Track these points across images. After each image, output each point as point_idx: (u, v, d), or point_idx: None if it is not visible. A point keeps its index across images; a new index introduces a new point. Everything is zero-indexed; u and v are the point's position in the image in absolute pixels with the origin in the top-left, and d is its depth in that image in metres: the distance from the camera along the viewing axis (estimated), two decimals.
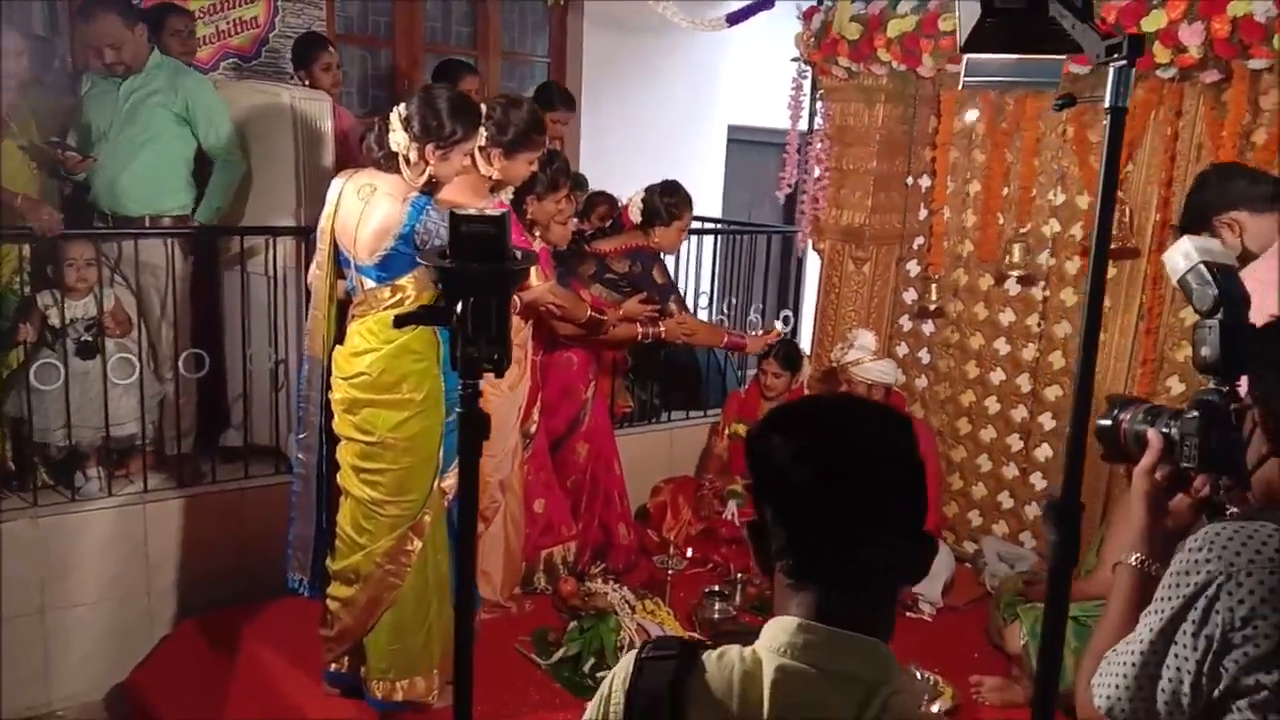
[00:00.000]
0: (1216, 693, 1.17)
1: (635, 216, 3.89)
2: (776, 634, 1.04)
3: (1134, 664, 1.21)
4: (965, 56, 1.26)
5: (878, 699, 0.99)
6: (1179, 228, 2.49)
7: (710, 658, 1.06)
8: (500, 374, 1.36)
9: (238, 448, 3.78)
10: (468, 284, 1.36)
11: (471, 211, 1.38)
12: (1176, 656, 1.18)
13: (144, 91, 3.66)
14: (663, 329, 3.79)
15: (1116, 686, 1.23)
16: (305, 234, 3.64)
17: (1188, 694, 1.17)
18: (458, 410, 1.37)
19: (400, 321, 1.40)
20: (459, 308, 1.35)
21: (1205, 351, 1.34)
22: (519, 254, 1.43)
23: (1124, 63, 1.05)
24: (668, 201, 3.86)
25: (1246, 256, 2.34)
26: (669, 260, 4.27)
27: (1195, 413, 1.31)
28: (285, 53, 4.76)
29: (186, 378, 3.62)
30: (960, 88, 3.34)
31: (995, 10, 1.19)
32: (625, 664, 1.11)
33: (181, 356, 3.57)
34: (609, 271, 3.84)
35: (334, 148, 3.89)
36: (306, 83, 4.14)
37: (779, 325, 4.36)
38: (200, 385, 3.71)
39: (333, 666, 2.93)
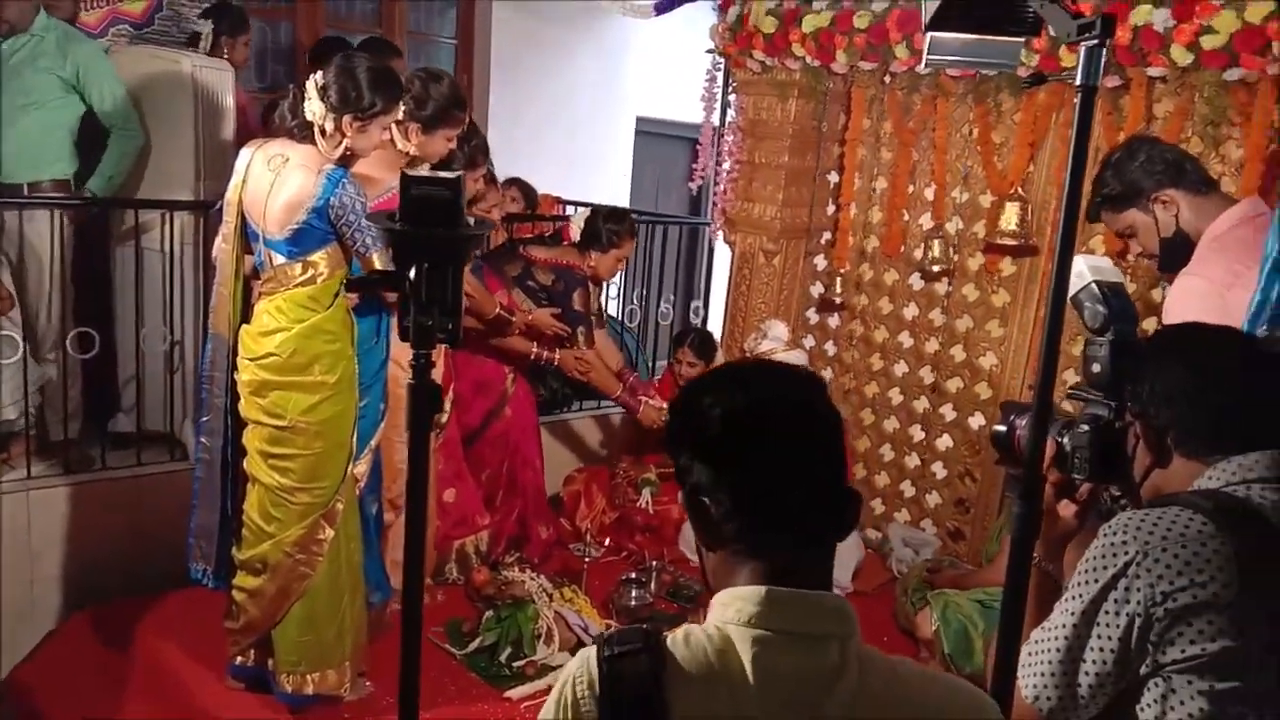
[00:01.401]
0: (1144, 669, 1.21)
1: (575, 235, 3.85)
2: (741, 606, 1.02)
3: (1057, 649, 1.25)
4: (929, 35, 1.27)
5: (851, 651, 1.00)
6: (1101, 200, 2.37)
7: (676, 643, 1.03)
8: (455, 345, 1.31)
9: (129, 433, 3.58)
10: (421, 249, 1.31)
11: (424, 173, 1.32)
12: (1099, 638, 1.23)
13: (27, 53, 3.46)
14: (558, 357, 3.74)
15: (1041, 674, 1.27)
16: (204, 209, 3.49)
17: (1112, 672, 1.22)
18: (406, 388, 1.32)
19: (351, 286, 1.33)
20: (411, 274, 1.30)
21: (1096, 368, 1.42)
22: (472, 220, 1.38)
23: (1095, 42, 1.08)
24: (610, 228, 3.83)
25: (1177, 238, 2.29)
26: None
27: (1085, 426, 1.38)
28: (182, 22, 4.54)
29: (74, 358, 3.42)
30: (923, 66, 3.40)
31: None
32: (585, 666, 1.04)
33: (69, 336, 3.36)
34: (532, 279, 3.77)
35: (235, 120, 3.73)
36: (225, 54, 3.97)
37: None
38: (89, 367, 3.51)
39: (238, 660, 2.80)
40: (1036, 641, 1.30)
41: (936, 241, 3.98)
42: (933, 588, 3.34)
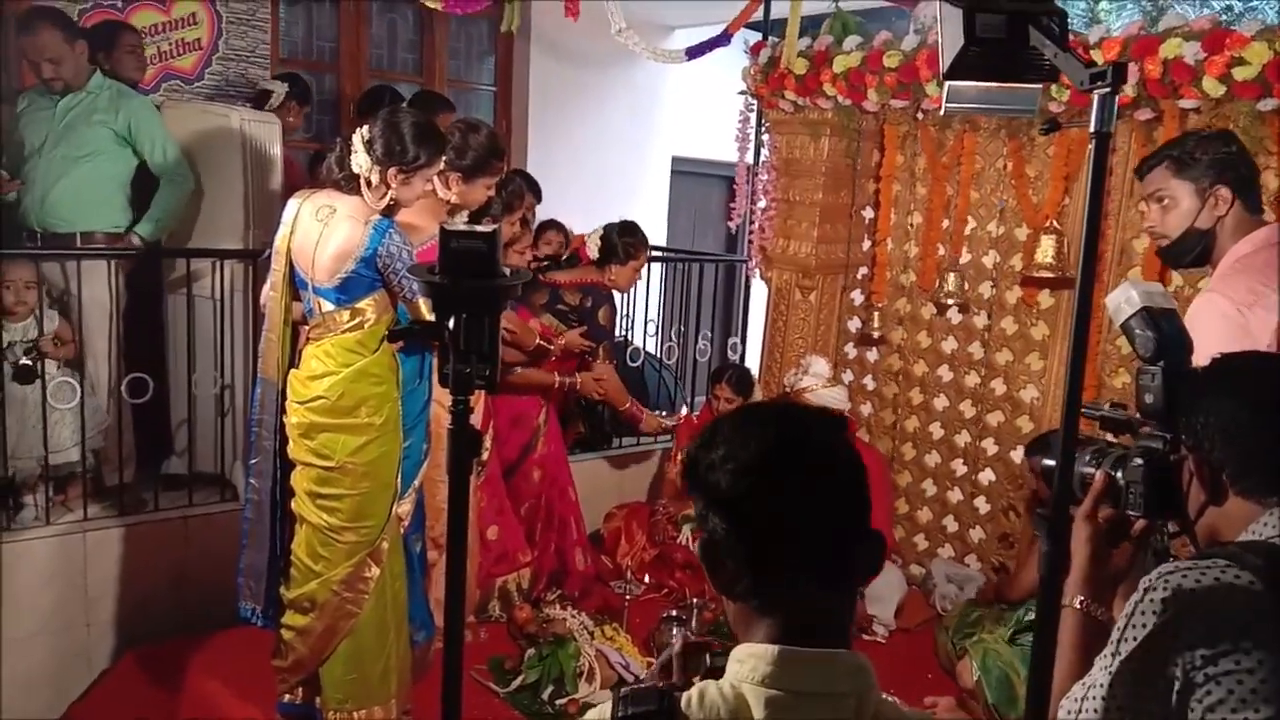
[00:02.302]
0: None
1: (592, 253, 3.92)
2: (755, 665, 1.00)
3: (1097, 710, 1.20)
4: (947, 84, 1.31)
5: (868, 708, 0.99)
6: (1169, 157, 2.25)
7: (690, 703, 1.01)
8: (493, 390, 1.35)
9: (181, 475, 3.68)
10: (459, 301, 1.36)
11: (461, 227, 1.38)
12: (1139, 698, 1.17)
13: (83, 109, 3.62)
14: (579, 380, 3.80)
15: None
16: (253, 257, 3.60)
17: None
18: (447, 430, 1.36)
19: (394, 336, 1.39)
20: (450, 324, 1.35)
21: (1149, 399, 1.36)
22: (508, 271, 1.43)
23: (1108, 89, 1.11)
24: (626, 241, 3.91)
25: (1202, 238, 2.23)
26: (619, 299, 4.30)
27: (1140, 460, 1.33)
28: (228, 74, 4.71)
29: (129, 403, 3.53)
30: (942, 113, 3.44)
31: (978, 39, 1.24)
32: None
33: (124, 381, 3.47)
34: (561, 303, 3.85)
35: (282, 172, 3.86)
36: (290, 117, 4.14)
37: (682, 411, 4.40)
38: (143, 411, 3.61)
39: (286, 697, 2.86)
40: (1075, 699, 1.24)
41: (951, 275, 4.00)
42: (973, 630, 3.31)
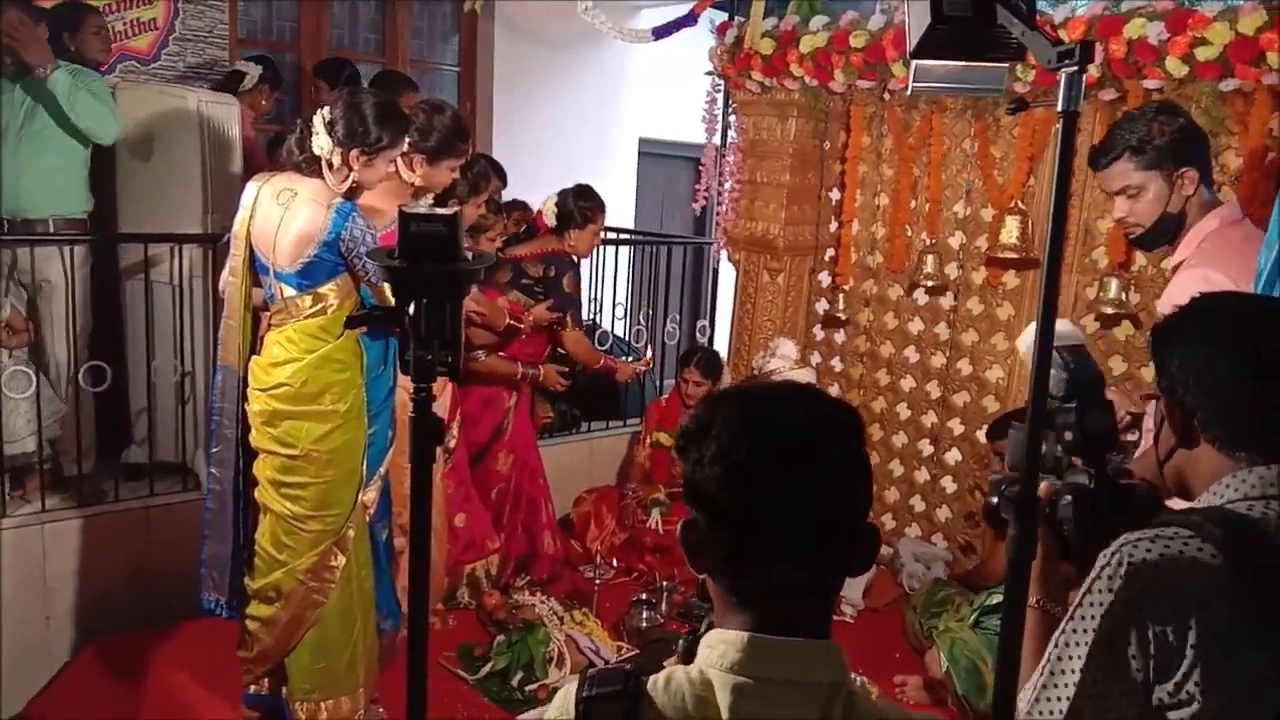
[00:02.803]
0: (1152, 706, 1.15)
1: (550, 220, 3.88)
2: (725, 650, 0.98)
3: (1068, 686, 1.17)
4: (914, 63, 1.30)
5: (838, 700, 0.97)
6: (1128, 148, 2.18)
7: (656, 687, 0.99)
8: (455, 377, 1.33)
9: (142, 465, 3.62)
10: (420, 285, 1.33)
11: (421, 210, 1.35)
12: (1110, 670, 1.15)
13: (44, 93, 3.51)
14: (540, 372, 3.79)
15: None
16: (212, 242, 3.53)
17: (1127, 715, 1.15)
18: (410, 418, 1.34)
19: (353, 322, 1.36)
20: (410, 309, 1.32)
21: (1069, 436, 1.35)
22: (470, 254, 1.40)
23: (1075, 68, 1.10)
24: (582, 205, 3.87)
25: (1174, 219, 2.20)
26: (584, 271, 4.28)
27: (1069, 498, 1.31)
28: (186, 55, 4.61)
29: (87, 392, 3.46)
30: (909, 92, 3.43)
31: (945, 18, 1.22)
32: (565, 705, 1.01)
33: (81, 369, 3.40)
34: (525, 277, 3.81)
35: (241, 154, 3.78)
36: (262, 100, 4.05)
37: (647, 354, 4.40)
38: (102, 400, 3.54)
39: (252, 688, 2.82)
40: (1043, 688, 1.20)
41: (930, 257, 4.00)
42: (943, 610, 3.33)
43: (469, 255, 1.39)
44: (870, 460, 1.03)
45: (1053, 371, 1.37)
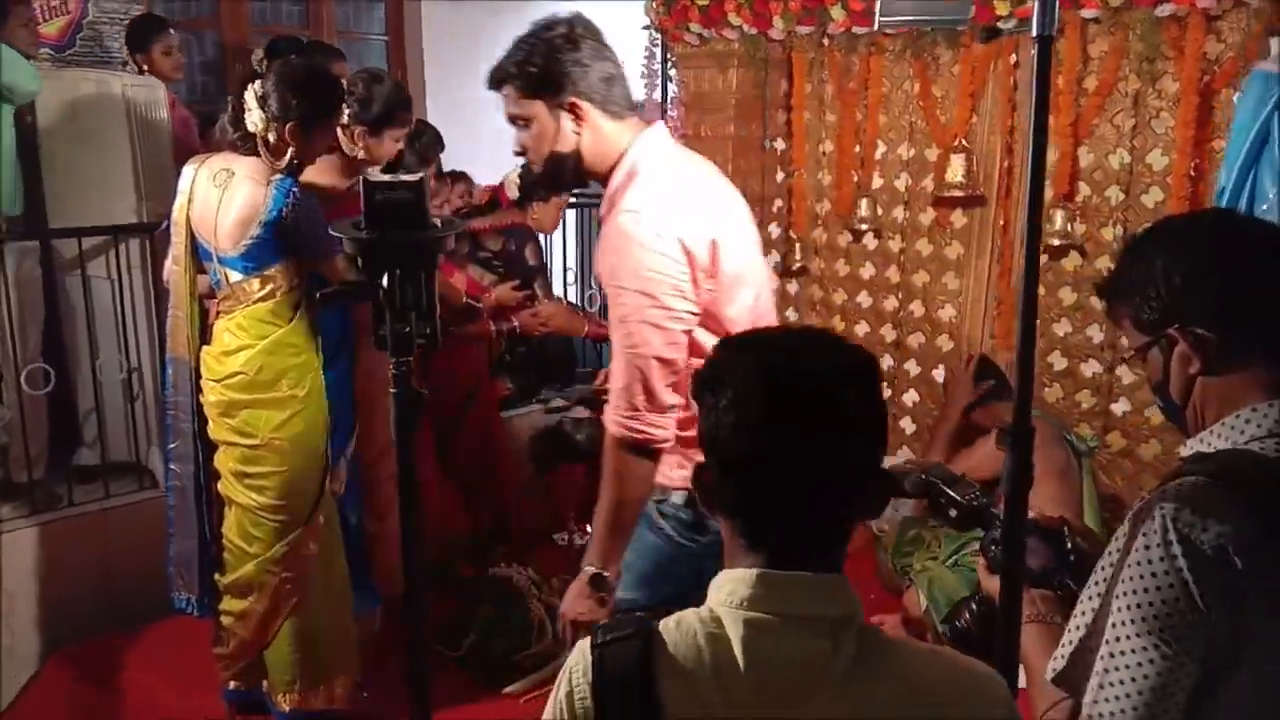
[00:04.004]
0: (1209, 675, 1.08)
1: (512, 193, 3.81)
2: (734, 588, 0.99)
3: (1132, 679, 1.10)
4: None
5: (849, 634, 0.96)
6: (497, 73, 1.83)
7: (668, 628, 1.00)
8: (435, 348, 1.29)
9: (94, 466, 3.51)
10: (391, 256, 1.29)
11: (385, 178, 1.30)
12: (1170, 653, 1.08)
13: None
14: (516, 323, 3.73)
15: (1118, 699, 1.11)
16: (149, 231, 3.41)
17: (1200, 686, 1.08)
18: (394, 391, 1.30)
19: (325, 298, 1.31)
20: (384, 282, 1.28)
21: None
22: (439, 221, 1.36)
23: None
24: None
25: (570, 156, 1.82)
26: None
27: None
28: (104, 39, 4.41)
29: (36, 395, 3.33)
30: (875, 29, 3.39)
31: None
32: (582, 656, 1.02)
33: (24, 372, 3.28)
34: (482, 250, 3.75)
35: (172, 137, 3.64)
36: (145, 69, 3.86)
37: None
38: (48, 402, 3.42)
39: (231, 685, 2.77)
40: (1104, 674, 1.11)
41: (864, 200, 4.02)
42: (917, 550, 3.37)
43: (437, 222, 1.35)
44: (886, 407, 1.01)
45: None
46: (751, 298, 1.85)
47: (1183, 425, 1.21)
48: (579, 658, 1.02)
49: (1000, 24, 3.42)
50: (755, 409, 0.96)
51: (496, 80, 1.83)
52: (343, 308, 2.66)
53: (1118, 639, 1.10)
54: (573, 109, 1.79)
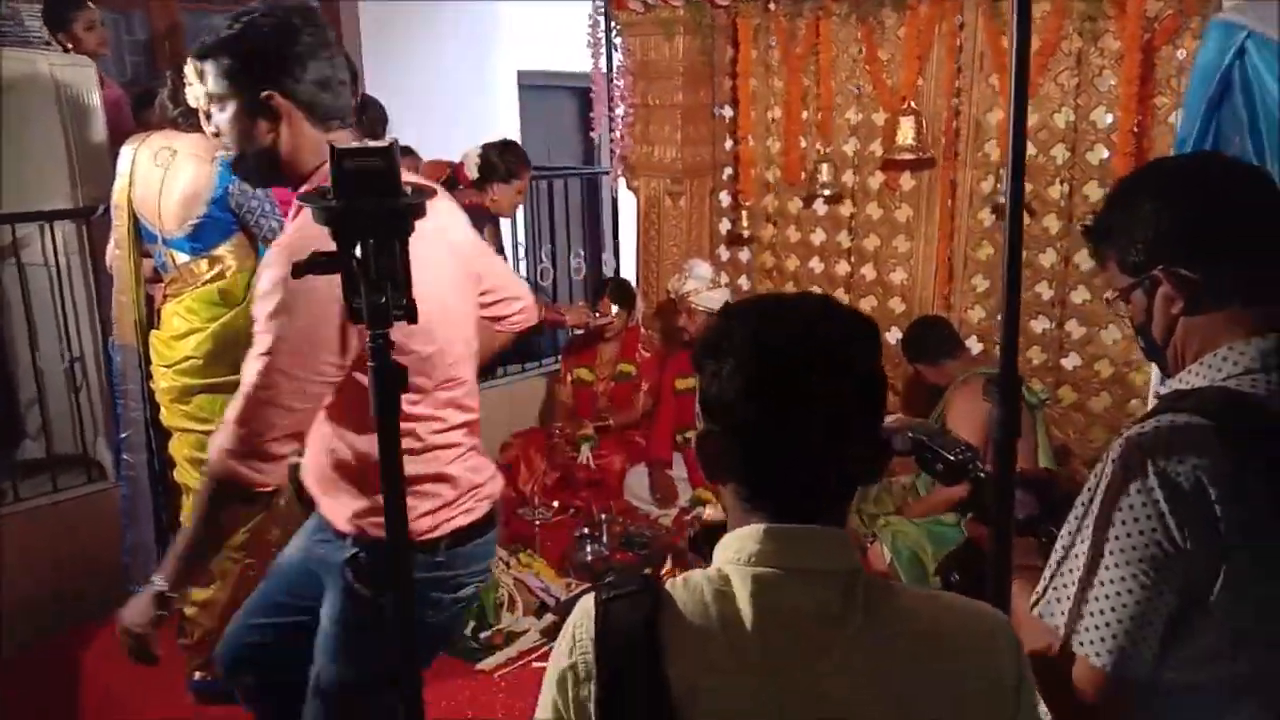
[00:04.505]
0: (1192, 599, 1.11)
1: (472, 174, 3.76)
2: (741, 545, 0.99)
3: (1111, 608, 1.13)
4: None
5: (858, 586, 0.96)
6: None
7: (676, 586, 1.00)
8: (414, 320, 1.26)
9: (39, 459, 3.40)
10: (364, 225, 1.25)
11: (354, 145, 1.26)
12: (1148, 580, 1.11)
13: None
14: None
15: (1114, 637, 1.13)
16: (85, 215, 3.30)
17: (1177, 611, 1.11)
18: (373, 365, 1.26)
19: (298, 271, 1.27)
20: (358, 252, 1.24)
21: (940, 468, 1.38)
22: (409, 188, 1.32)
23: None
24: (507, 159, 3.81)
25: (268, 153, 1.63)
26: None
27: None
28: (23, 18, 4.23)
29: None
30: None
31: None
32: (585, 612, 1.01)
33: None
34: None
35: (105, 118, 3.51)
36: (68, 47, 3.70)
37: (612, 308, 4.21)
38: None
39: (197, 675, 2.72)
40: (1086, 605, 1.14)
41: (825, 166, 4.03)
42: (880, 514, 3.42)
43: (408, 190, 1.31)
44: (884, 372, 1.01)
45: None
46: (433, 350, 1.65)
47: (1164, 365, 1.23)
48: (582, 616, 1.01)
49: None
50: (755, 369, 0.96)
51: (200, 54, 1.62)
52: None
53: (1097, 571, 1.12)
54: (269, 103, 1.59)
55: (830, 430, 0.96)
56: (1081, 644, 1.14)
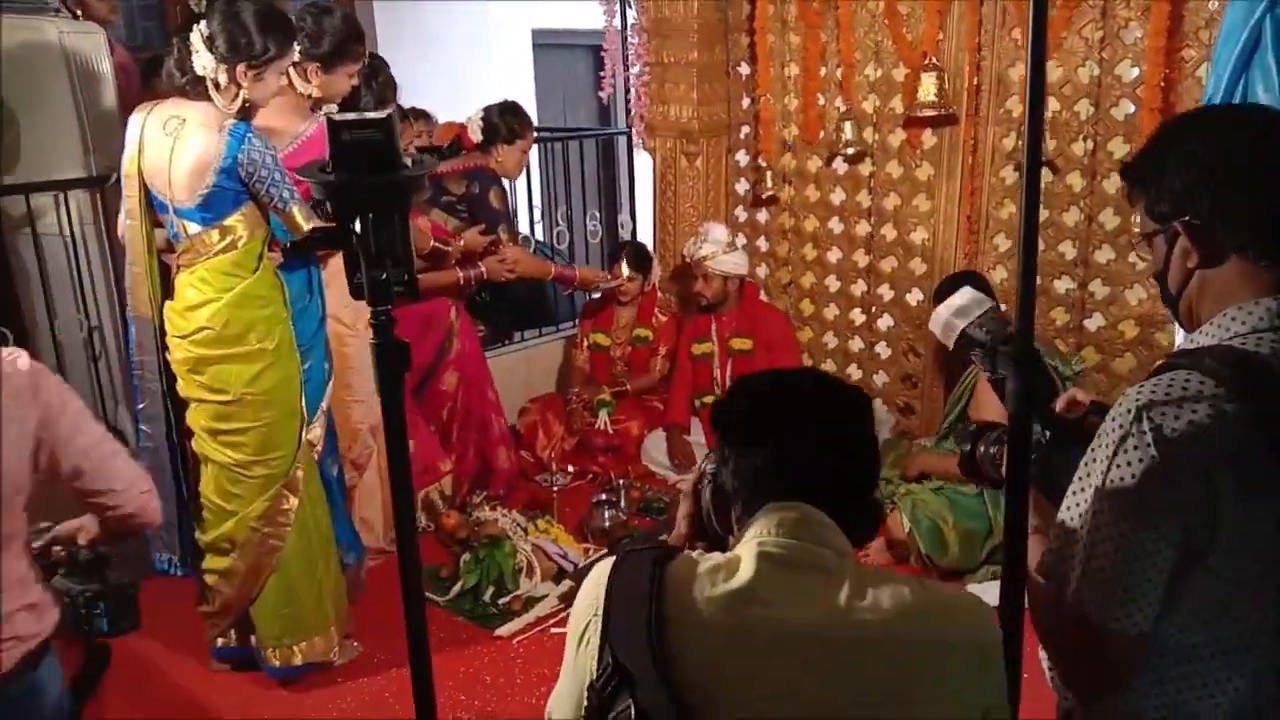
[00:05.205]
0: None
1: (476, 136, 3.72)
2: (754, 533, 1.09)
3: (1120, 561, 1.12)
4: None
5: (848, 563, 1.07)
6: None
7: (690, 554, 1.11)
8: (415, 296, 1.24)
9: None
10: (363, 198, 1.23)
11: (351, 116, 1.23)
12: (1147, 539, 1.10)
13: None
14: (484, 269, 3.66)
15: (1115, 594, 1.12)
16: (99, 184, 3.29)
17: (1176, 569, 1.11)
18: (371, 345, 1.25)
19: (294, 248, 1.25)
20: (357, 226, 1.22)
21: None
22: (410, 160, 1.30)
23: None
24: (509, 120, 3.75)
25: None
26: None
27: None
28: None
29: None
30: None
31: None
32: (600, 572, 1.10)
33: None
34: (446, 194, 3.66)
35: (115, 85, 3.48)
36: (77, 13, 3.66)
37: (624, 271, 4.18)
38: None
39: (219, 642, 2.75)
40: (1089, 560, 1.13)
41: (849, 124, 3.95)
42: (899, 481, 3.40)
43: (408, 162, 1.28)
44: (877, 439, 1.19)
45: (974, 354, 1.45)
46: None
47: (1177, 314, 1.23)
48: (598, 574, 1.10)
49: None
50: (769, 449, 1.12)
51: None
52: (307, 256, 2.58)
53: (1098, 526, 1.13)
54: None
55: (831, 489, 1.11)
56: (1082, 600, 1.14)
